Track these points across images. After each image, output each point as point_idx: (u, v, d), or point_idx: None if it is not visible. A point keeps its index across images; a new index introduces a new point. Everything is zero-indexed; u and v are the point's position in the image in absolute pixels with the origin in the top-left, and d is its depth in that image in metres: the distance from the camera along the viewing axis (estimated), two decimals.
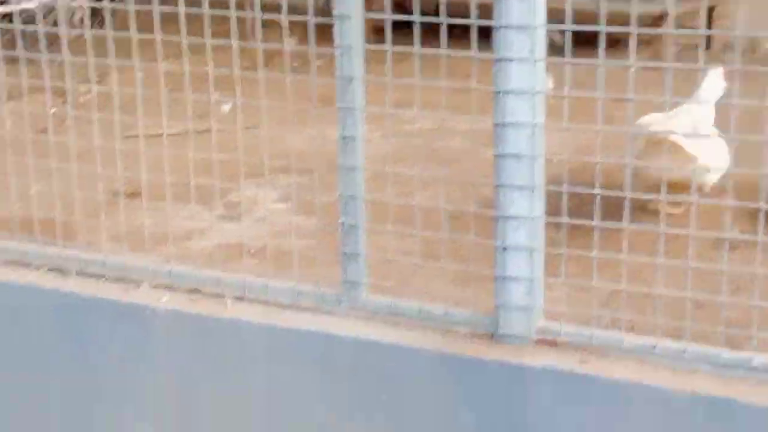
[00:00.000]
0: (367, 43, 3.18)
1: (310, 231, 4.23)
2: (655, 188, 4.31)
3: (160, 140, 3.66)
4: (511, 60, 2.97)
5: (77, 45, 3.93)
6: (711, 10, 7.20)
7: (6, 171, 3.91)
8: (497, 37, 2.96)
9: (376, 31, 3.63)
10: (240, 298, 3.43)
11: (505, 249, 3.09)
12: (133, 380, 3.49)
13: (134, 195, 4.38)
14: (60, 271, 3.66)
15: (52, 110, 3.98)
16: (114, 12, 6.78)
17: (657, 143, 4.43)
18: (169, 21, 3.51)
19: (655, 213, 4.16)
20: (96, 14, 5.96)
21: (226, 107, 3.59)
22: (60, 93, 4.95)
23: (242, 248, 4.34)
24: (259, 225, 4.77)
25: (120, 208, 3.81)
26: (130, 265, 3.59)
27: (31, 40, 4.11)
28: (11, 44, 3.98)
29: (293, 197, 4.66)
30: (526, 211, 3.05)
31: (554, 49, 3.06)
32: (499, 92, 3.00)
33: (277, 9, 3.39)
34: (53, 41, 3.96)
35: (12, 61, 3.97)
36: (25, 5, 5.60)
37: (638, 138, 4.43)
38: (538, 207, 3.06)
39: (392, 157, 3.46)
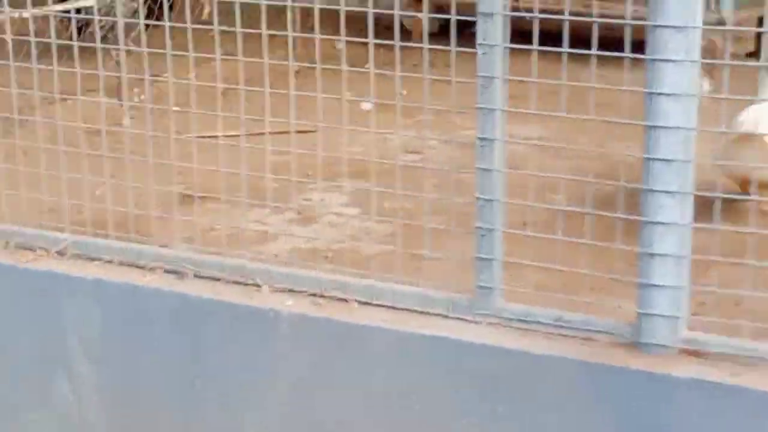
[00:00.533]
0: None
1: (383, 236, 4.27)
2: (744, 186, 4.46)
3: (227, 142, 3.64)
4: (666, 61, 2.92)
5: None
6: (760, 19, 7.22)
7: (72, 169, 3.84)
8: (651, 37, 2.91)
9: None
10: (365, 303, 3.35)
11: (651, 256, 3.03)
12: (255, 386, 3.40)
13: (204, 197, 4.32)
14: (176, 273, 3.56)
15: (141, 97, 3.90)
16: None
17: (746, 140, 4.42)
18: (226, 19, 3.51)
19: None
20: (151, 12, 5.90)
21: (367, 105, 3.50)
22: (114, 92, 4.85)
23: (317, 252, 4.26)
24: (331, 229, 4.69)
25: (192, 209, 3.79)
26: (250, 267, 3.49)
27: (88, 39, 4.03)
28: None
29: (364, 203, 4.58)
30: (676, 217, 3.00)
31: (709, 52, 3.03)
32: (651, 94, 2.95)
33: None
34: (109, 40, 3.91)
35: (66, 59, 3.89)
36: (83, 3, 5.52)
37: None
38: (688, 214, 3.01)
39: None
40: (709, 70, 3.06)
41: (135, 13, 5.55)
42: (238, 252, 3.60)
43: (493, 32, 3.10)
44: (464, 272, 3.29)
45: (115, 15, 5.07)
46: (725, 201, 3.10)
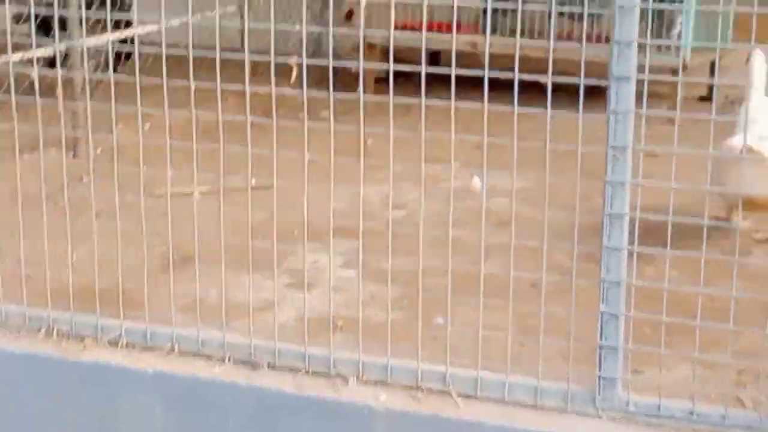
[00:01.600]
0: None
1: (390, 301, 3.91)
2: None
3: (189, 199, 3.32)
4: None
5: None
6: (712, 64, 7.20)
7: (36, 232, 3.43)
8: None
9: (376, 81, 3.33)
10: (468, 396, 2.99)
11: None
12: None
13: (185, 260, 3.90)
14: (249, 363, 3.13)
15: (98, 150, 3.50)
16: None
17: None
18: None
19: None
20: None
21: (477, 181, 3.16)
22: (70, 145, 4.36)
23: (324, 321, 3.86)
24: (333, 295, 4.30)
25: (178, 275, 3.41)
26: (334, 357, 3.09)
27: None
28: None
29: (360, 262, 4.22)
30: None
31: None
32: None
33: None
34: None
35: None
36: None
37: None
38: None
39: (455, 221, 3.19)
40: None
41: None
42: (317, 340, 3.19)
43: (627, 97, 2.81)
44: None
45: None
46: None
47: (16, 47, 4.11)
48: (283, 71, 3.15)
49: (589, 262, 2.98)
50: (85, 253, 3.49)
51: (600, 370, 2.93)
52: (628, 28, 2.79)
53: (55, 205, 3.42)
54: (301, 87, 3.12)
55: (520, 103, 2.88)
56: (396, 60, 2.99)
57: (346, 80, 3.18)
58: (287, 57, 3.10)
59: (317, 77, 3.08)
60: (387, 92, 2.97)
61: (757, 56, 4.87)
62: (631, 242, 2.88)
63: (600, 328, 2.92)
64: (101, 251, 3.37)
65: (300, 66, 3.02)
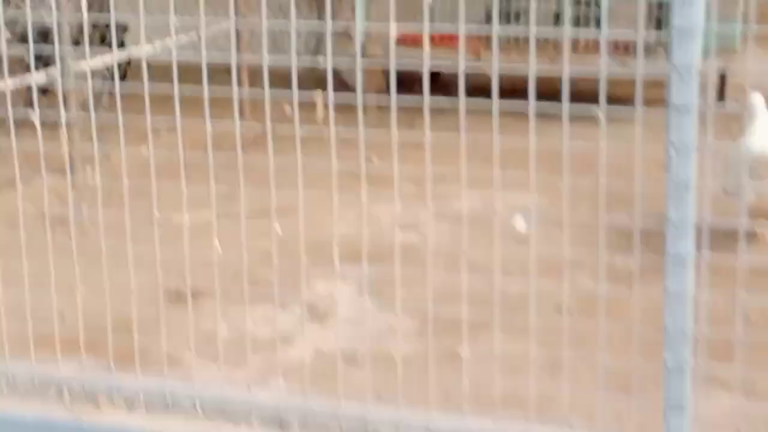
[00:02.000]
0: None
1: (409, 332, 3.77)
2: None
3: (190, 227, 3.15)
4: None
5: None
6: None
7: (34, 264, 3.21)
8: None
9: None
10: None
11: None
12: None
13: (194, 294, 3.67)
14: (278, 423, 2.92)
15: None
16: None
17: None
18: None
19: None
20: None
21: (521, 223, 2.93)
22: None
23: (342, 356, 3.63)
24: (350, 327, 4.07)
25: (183, 312, 3.25)
26: (371, 416, 2.87)
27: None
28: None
29: (372, 290, 4.01)
30: None
31: None
32: None
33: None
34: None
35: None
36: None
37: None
38: None
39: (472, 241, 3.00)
40: None
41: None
42: (354, 399, 2.95)
43: (688, 128, 2.59)
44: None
45: None
46: None
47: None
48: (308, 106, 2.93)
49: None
50: (90, 293, 3.28)
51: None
52: (687, 52, 2.57)
53: (53, 238, 3.19)
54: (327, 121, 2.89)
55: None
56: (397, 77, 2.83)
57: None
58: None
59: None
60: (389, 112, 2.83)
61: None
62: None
63: (665, 384, 2.70)
64: (105, 289, 3.18)
65: (326, 100, 2.79)
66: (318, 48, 6.61)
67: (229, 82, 2.97)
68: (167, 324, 3.23)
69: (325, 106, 2.92)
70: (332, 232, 3.08)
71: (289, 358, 3.78)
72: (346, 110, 2.93)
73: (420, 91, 2.72)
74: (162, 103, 2.97)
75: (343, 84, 2.85)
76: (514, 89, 2.73)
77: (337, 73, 2.94)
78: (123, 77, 6.18)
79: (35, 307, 3.38)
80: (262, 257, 3.13)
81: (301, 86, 2.83)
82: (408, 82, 2.94)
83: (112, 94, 3.00)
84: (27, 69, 5.51)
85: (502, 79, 2.76)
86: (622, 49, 6.41)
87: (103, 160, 3.32)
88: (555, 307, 3.12)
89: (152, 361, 3.34)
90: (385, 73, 2.78)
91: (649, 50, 6.79)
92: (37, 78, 5.11)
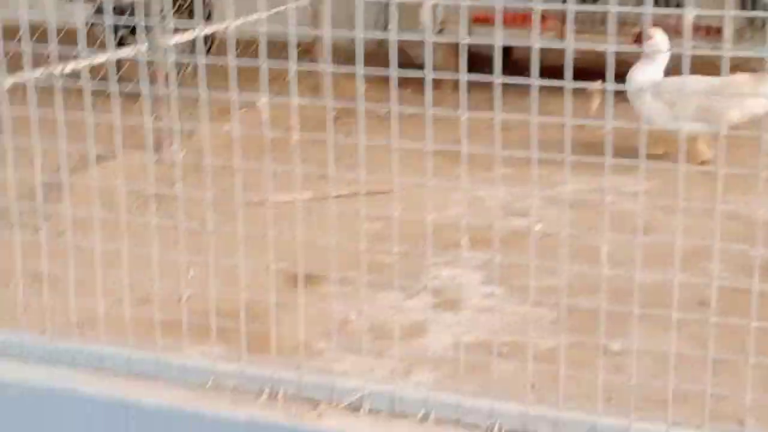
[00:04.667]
0: None
1: (547, 324, 3.60)
2: None
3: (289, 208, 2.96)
4: None
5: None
6: None
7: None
8: None
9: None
10: None
11: None
12: None
13: (312, 278, 3.56)
14: None
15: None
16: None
17: None
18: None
19: None
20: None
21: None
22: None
23: (488, 348, 3.46)
24: (486, 317, 3.92)
25: (304, 293, 2.94)
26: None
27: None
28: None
29: (500, 279, 3.82)
30: None
31: None
32: None
33: None
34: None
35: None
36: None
37: None
38: None
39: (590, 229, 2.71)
40: None
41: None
42: None
43: None
44: None
45: None
46: None
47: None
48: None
49: None
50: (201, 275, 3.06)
51: None
52: None
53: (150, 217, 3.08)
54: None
55: None
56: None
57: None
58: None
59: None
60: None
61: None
62: None
63: None
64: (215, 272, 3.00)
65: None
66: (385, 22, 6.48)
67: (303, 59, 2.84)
68: (289, 310, 3.12)
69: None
70: (441, 217, 2.88)
71: (428, 349, 3.56)
72: (417, 88, 2.76)
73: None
74: (244, 79, 2.85)
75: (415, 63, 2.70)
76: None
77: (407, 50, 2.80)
78: (208, 52, 6.16)
79: (144, 289, 3.26)
80: (374, 241, 3.00)
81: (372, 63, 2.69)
82: (479, 63, 2.78)
83: (195, 69, 2.86)
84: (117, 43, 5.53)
85: (579, 60, 2.57)
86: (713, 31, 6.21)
87: (187, 137, 3.24)
88: (698, 300, 2.92)
89: (286, 349, 3.17)
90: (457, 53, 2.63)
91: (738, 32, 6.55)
92: (125, 52, 5.02)
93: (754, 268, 2.46)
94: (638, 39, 5.85)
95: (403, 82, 2.61)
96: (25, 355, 3.00)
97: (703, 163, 5.46)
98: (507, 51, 3.27)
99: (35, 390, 2.91)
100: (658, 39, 5.61)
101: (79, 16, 3.28)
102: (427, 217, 2.70)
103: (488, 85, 2.52)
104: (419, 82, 2.59)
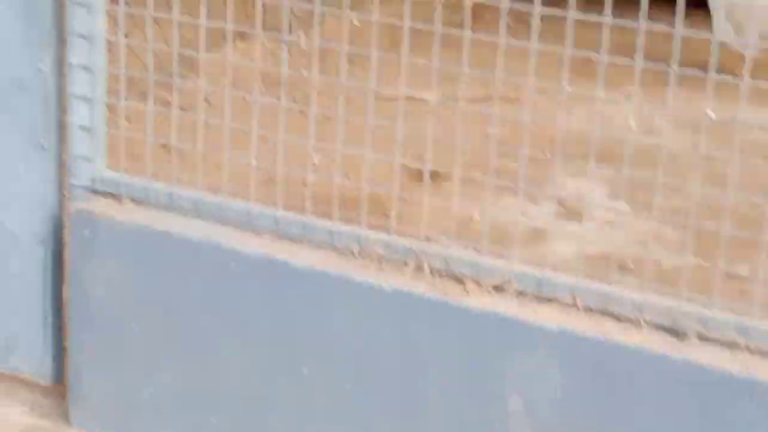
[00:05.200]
0: None
1: (674, 243, 3.46)
2: None
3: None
4: None
5: None
6: None
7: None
8: None
9: None
10: None
11: None
12: None
13: (436, 176, 3.52)
14: (672, 330, 2.59)
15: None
16: None
17: None
18: None
19: None
20: None
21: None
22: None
23: (609, 260, 3.38)
24: (611, 230, 3.84)
25: (426, 189, 2.91)
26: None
27: None
28: None
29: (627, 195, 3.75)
30: None
31: None
32: None
33: None
34: None
35: None
36: None
37: None
38: None
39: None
40: None
41: None
42: None
43: None
44: None
45: None
46: None
47: None
48: None
49: None
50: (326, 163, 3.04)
51: None
52: None
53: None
54: None
55: None
56: None
57: None
58: None
59: None
60: None
61: None
62: None
63: None
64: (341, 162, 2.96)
65: None
66: None
67: None
68: (412, 204, 3.09)
69: None
70: (567, 128, 2.80)
71: (555, 256, 3.52)
72: None
73: None
74: None
75: None
76: None
77: None
78: None
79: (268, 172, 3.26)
80: (500, 146, 2.95)
81: None
82: None
83: None
84: None
85: None
86: None
87: (318, 24, 3.17)
88: None
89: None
90: None
91: None
92: None
93: None
94: None
95: None
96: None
97: None
98: None
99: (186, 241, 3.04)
100: None
101: None
102: (541, 127, 2.63)
103: None
104: None
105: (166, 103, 3.30)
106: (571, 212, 3.96)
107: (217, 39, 3.21)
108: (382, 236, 2.87)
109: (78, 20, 3.06)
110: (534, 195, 3.87)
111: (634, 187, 2.80)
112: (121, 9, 3.10)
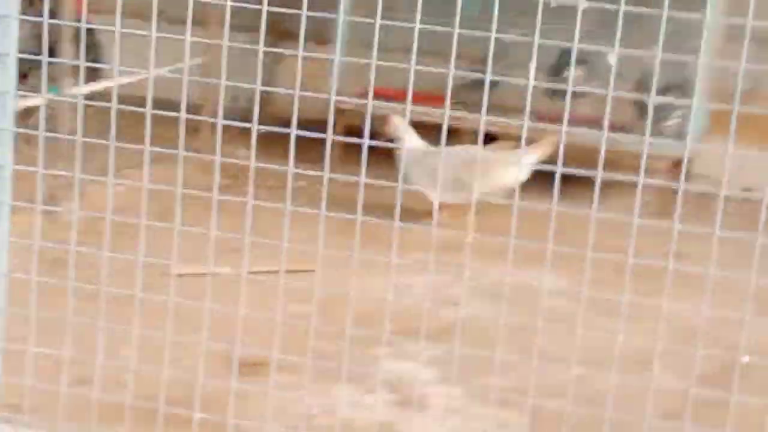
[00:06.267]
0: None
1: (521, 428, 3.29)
2: None
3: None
4: None
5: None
6: None
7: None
8: None
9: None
10: None
11: None
12: None
13: (254, 365, 3.27)
14: None
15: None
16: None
17: None
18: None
19: None
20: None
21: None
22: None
23: None
24: (453, 420, 3.59)
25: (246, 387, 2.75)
26: None
27: None
28: None
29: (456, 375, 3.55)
30: None
31: None
32: None
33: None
34: None
35: None
36: None
37: None
38: None
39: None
40: None
41: None
42: None
43: None
44: None
45: None
46: None
47: None
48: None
49: None
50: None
51: None
52: None
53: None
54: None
55: None
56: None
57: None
58: None
59: None
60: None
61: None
62: None
63: None
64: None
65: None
66: None
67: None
68: (239, 399, 2.83)
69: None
70: (370, 300, 2.56)
71: None
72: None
73: None
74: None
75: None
76: None
77: None
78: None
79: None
80: (304, 324, 2.73)
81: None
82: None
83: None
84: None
85: None
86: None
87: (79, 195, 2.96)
88: None
89: None
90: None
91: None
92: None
93: None
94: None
95: None
96: None
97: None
98: None
99: None
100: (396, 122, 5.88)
101: None
102: (346, 301, 2.48)
103: None
104: None
105: None
106: (404, 399, 3.74)
107: None
108: None
109: None
110: (360, 381, 3.65)
111: (458, 366, 2.62)
112: None
